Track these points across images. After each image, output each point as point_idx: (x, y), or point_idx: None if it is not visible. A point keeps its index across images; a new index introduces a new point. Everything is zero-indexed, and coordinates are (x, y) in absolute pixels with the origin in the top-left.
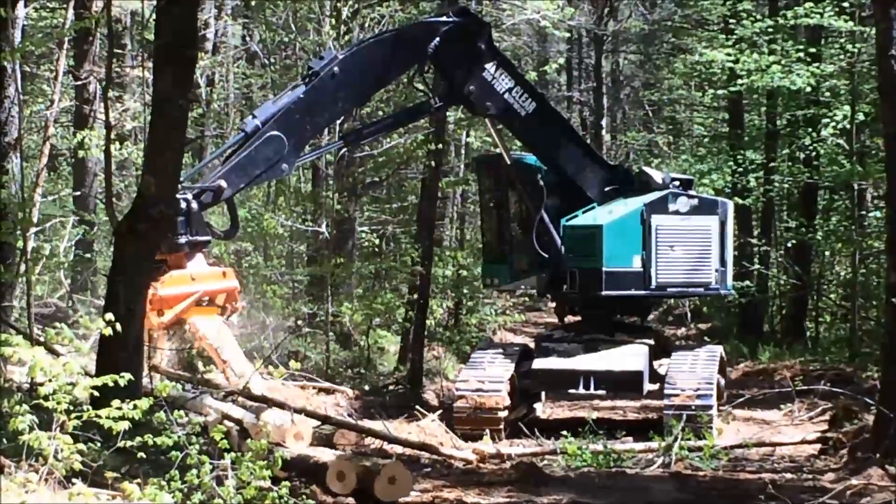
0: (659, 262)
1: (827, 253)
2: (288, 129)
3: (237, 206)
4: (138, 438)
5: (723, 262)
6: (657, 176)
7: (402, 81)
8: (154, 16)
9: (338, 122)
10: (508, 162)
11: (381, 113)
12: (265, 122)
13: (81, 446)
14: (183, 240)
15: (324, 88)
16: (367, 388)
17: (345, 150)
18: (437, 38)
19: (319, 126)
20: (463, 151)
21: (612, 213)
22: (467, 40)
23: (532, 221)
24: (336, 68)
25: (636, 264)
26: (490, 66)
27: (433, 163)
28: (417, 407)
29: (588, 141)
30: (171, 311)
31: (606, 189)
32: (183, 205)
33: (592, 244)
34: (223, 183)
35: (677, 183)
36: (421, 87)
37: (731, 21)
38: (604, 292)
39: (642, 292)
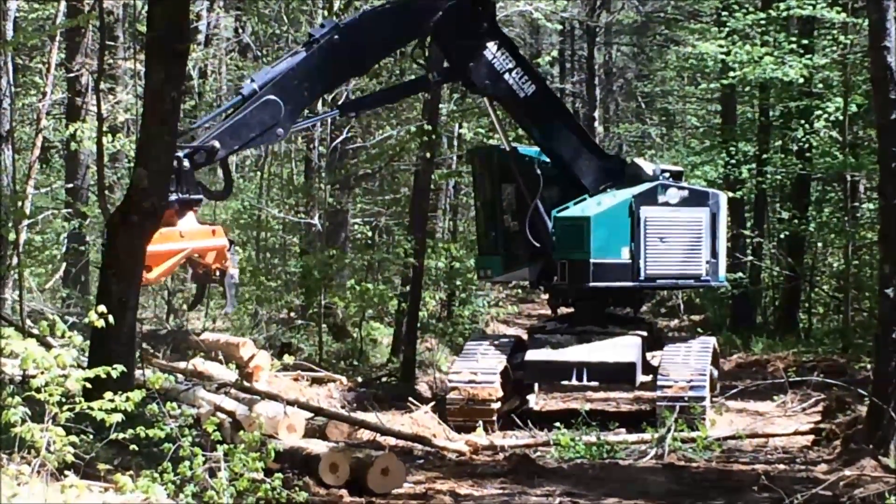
0: (648, 254)
1: (820, 244)
2: (285, 94)
3: (231, 168)
4: (131, 430)
5: (714, 253)
6: (647, 167)
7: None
8: (146, 8)
9: (335, 92)
10: (507, 148)
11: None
12: (263, 85)
13: (74, 438)
14: (173, 197)
15: (323, 56)
16: (359, 379)
17: (334, 114)
18: (441, 13)
19: (317, 93)
20: (456, 143)
21: (600, 205)
22: (470, 17)
23: (527, 211)
24: (336, 36)
25: (625, 256)
26: (492, 45)
27: (426, 154)
28: (410, 399)
29: None
30: (158, 267)
31: (602, 179)
32: (174, 163)
33: (580, 236)
34: (217, 144)
35: (667, 174)
36: (419, 61)
37: (723, 13)
38: (591, 284)
39: (631, 284)
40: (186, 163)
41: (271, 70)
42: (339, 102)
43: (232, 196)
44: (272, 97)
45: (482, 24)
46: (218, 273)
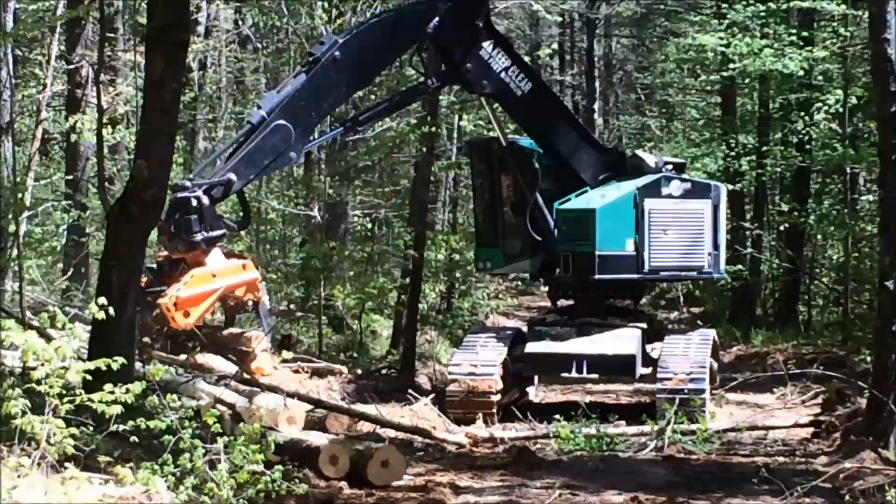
0: (652, 246)
1: (819, 237)
2: (294, 116)
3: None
4: (131, 422)
5: (716, 245)
6: (650, 160)
7: (396, 65)
8: None
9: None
10: (504, 143)
11: (373, 98)
12: (270, 111)
13: (74, 430)
14: (199, 237)
15: (326, 74)
16: (359, 371)
17: (339, 132)
18: (437, 18)
19: (324, 111)
20: (456, 135)
21: (605, 197)
22: (466, 19)
23: (526, 204)
24: (337, 52)
25: (629, 248)
26: (487, 45)
27: (426, 146)
28: (410, 391)
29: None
30: (196, 309)
31: (600, 172)
32: (194, 202)
33: (585, 228)
34: (233, 176)
35: (670, 167)
36: (417, 67)
37: (723, 5)
38: (596, 276)
39: (635, 276)
40: (205, 199)
41: (276, 95)
42: (341, 119)
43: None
44: (281, 122)
45: (477, 25)
46: (251, 304)
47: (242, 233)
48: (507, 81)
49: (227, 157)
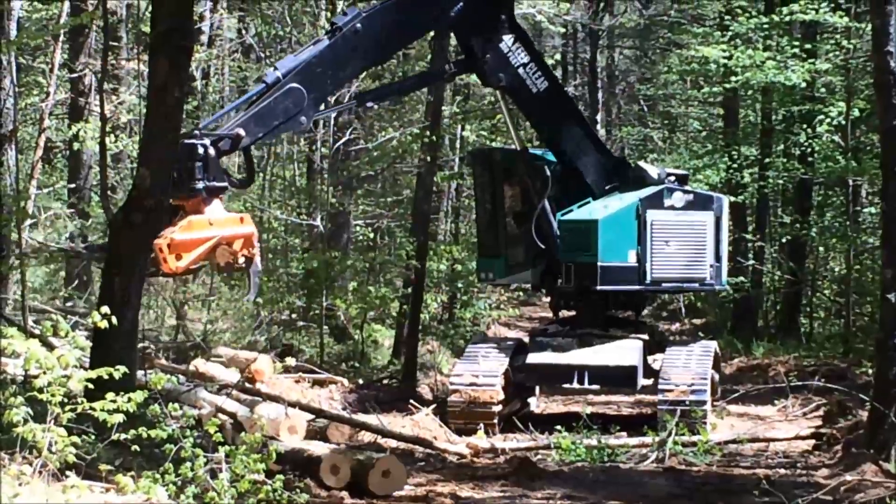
0: (654, 258)
1: (821, 249)
2: (308, 82)
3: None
4: (132, 431)
5: (718, 257)
6: (652, 171)
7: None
8: (150, 8)
9: (354, 81)
10: (518, 147)
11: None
12: (286, 74)
13: (76, 439)
14: (200, 185)
15: (347, 43)
16: (361, 381)
17: (351, 105)
18: (461, 4)
19: (340, 81)
20: (458, 145)
21: (607, 208)
22: (489, 9)
23: (531, 213)
24: (359, 24)
25: (631, 259)
26: (508, 39)
27: (428, 156)
28: (411, 401)
29: None
30: (189, 255)
31: (606, 179)
32: (200, 150)
33: (588, 239)
34: (241, 131)
35: (673, 178)
36: (437, 52)
37: (726, 17)
38: (599, 287)
39: (637, 287)
40: (212, 150)
41: (294, 58)
42: (354, 94)
43: (234, 197)
44: (295, 85)
45: (500, 17)
46: (244, 260)
47: None
48: (524, 77)
49: (242, 112)
